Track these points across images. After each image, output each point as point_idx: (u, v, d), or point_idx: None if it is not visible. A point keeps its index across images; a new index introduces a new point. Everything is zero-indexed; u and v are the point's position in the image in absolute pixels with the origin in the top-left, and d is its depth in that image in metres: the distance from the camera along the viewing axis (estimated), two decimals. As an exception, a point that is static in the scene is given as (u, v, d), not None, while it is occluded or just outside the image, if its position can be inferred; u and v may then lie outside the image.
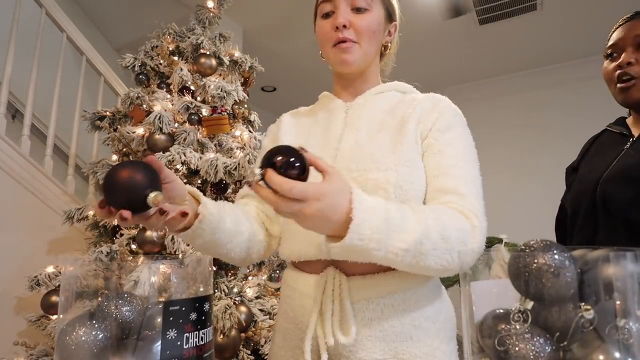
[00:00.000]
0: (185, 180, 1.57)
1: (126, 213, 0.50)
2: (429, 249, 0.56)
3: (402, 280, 0.66)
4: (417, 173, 0.69)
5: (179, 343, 0.52)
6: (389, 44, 0.93)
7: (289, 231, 0.75)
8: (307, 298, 0.69)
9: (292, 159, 0.50)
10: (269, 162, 0.50)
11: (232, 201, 1.60)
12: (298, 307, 0.72)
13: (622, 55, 0.88)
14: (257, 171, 0.49)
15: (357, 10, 0.76)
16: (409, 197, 0.66)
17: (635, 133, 0.94)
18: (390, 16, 0.88)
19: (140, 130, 1.59)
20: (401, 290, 0.67)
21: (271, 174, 0.48)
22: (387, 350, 0.64)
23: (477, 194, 0.67)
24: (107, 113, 1.84)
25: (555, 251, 0.41)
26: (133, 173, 0.50)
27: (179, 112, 1.64)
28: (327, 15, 0.78)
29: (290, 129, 0.89)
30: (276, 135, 0.89)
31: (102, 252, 1.37)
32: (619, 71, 0.88)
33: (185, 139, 1.56)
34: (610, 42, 0.93)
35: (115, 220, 0.52)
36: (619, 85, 0.89)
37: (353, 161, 0.70)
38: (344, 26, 0.75)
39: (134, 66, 1.76)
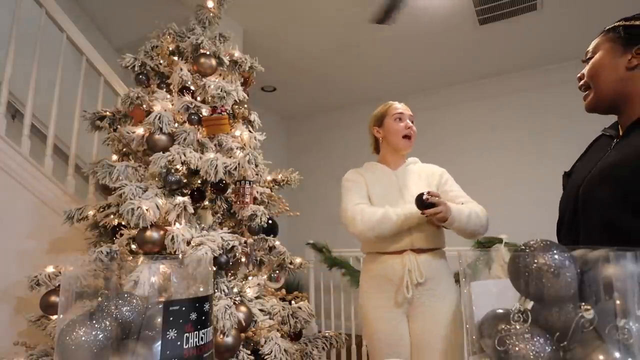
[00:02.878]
0: (185, 180, 1.57)
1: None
2: (471, 218, 1.41)
3: (436, 254, 1.47)
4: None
5: (179, 343, 0.52)
6: None
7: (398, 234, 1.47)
8: (397, 266, 1.43)
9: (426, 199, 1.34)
10: (421, 203, 1.34)
11: (232, 201, 1.61)
12: (390, 270, 1.44)
13: None
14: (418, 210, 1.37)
15: (412, 122, 1.60)
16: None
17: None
18: None
19: (140, 130, 1.59)
20: (437, 257, 1.48)
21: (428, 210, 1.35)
22: (433, 285, 1.42)
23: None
24: (107, 113, 1.84)
25: (555, 251, 0.42)
26: None
27: (179, 112, 1.64)
28: (400, 120, 1.59)
29: (368, 179, 1.59)
30: (362, 180, 1.60)
31: (102, 252, 1.37)
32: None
33: (185, 139, 1.56)
34: None
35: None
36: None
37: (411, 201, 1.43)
38: (410, 128, 1.58)
39: (134, 66, 1.75)
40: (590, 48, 0.98)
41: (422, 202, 1.33)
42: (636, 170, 0.82)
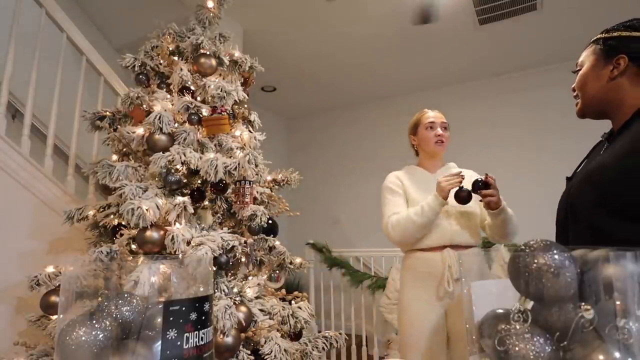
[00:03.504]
0: (185, 180, 1.57)
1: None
2: (514, 219, 1.51)
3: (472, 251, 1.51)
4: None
5: (179, 343, 0.52)
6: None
7: (437, 230, 1.56)
8: (438, 262, 1.52)
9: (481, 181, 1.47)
10: (477, 185, 1.47)
11: (232, 201, 1.61)
12: (433, 265, 1.53)
13: None
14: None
15: (444, 129, 1.69)
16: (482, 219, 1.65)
17: None
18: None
19: (140, 130, 1.59)
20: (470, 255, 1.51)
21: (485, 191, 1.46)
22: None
23: None
24: (107, 113, 1.84)
25: (555, 251, 0.42)
26: None
27: (179, 112, 1.64)
28: (431, 128, 1.68)
29: (407, 182, 1.68)
30: (401, 185, 1.69)
31: (102, 252, 1.37)
32: None
33: (185, 139, 1.56)
34: None
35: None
36: None
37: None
38: (442, 136, 1.67)
39: (134, 66, 1.75)
40: (579, 60, 1.04)
41: (478, 184, 1.45)
42: (616, 174, 0.85)
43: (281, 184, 1.88)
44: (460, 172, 1.53)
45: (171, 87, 1.74)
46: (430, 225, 1.52)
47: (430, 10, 2.62)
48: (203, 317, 0.55)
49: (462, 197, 1.48)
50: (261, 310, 1.57)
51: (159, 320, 0.51)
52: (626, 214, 0.82)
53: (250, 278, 1.68)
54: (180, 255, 1.29)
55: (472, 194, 1.47)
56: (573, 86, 1.06)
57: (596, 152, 1.03)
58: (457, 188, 1.48)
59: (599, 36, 0.99)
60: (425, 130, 1.68)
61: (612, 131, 1.02)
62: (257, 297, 1.62)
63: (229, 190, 1.65)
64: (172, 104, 1.66)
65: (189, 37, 1.81)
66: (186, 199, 1.48)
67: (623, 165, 0.84)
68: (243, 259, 1.61)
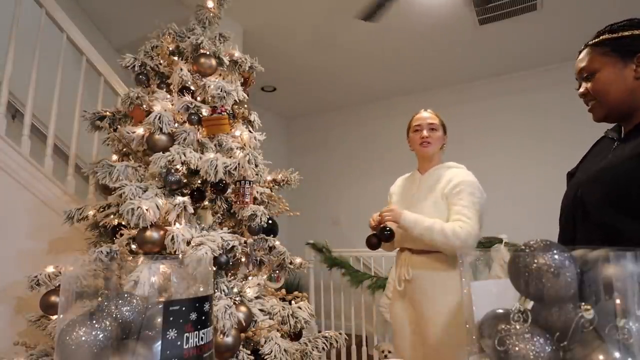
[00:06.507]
0: (185, 180, 1.57)
1: None
2: (432, 233, 1.49)
3: (432, 256, 1.56)
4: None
5: (179, 343, 0.52)
6: (445, 144, 1.75)
7: (398, 235, 1.62)
8: (397, 262, 1.69)
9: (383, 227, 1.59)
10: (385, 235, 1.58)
11: (232, 201, 1.61)
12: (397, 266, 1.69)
13: (580, 88, 1.03)
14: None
15: (432, 129, 1.70)
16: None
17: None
18: (444, 132, 1.74)
19: (140, 130, 1.59)
20: (432, 259, 1.56)
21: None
22: (420, 282, 1.56)
23: (475, 223, 1.52)
24: (107, 113, 1.84)
25: (555, 251, 0.42)
26: None
27: (179, 112, 1.64)
28: (418, 131, 1.72)
29: (397, 188, 1.84)
30: (392, 192, 1.84)
31: (102, 252, 1.37)
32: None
33: (185, 139, 1.56)
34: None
35: None
36: (588, 108, 1.03)
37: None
38: (428, 137, 1.69)
39: (134, 66, 1.75)
40: (584, 65, 0.99)
41: (385, 234, 1.57)
42: (628, 172, 0.85)
43: (281, 184, 1.88)
44: (383, 212, 1.59)
45: (171, 87, 1.74)
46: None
47: (378, 9, 2.61)
48: (203, 317, 0.55)
49: (372, 243, 1.59)
50: (261, 310, 1.57)
51: (159, 320, 0.51)
52: None
53: (250, 278, 1.68)
54: (180, 255, 1.29)
55: (381, 241, 1.59)
56: (582, 92, 1.01)
57: (604, 149, 1.01)
58: (377, 229, 1.59)
59: (604, 37, 0.96)
60: (413, 132, 1.73)
61: (618, 128, 1.01)
62: (257, 297, 1.62)
63: (229, 190, 1.65)
64: (172, 104, 1.66)
65: (189, 37, 1.81)
66: (186, 199, 1.48)
67: None
68: (243, 259, 1.61)
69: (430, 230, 1.49)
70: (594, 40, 0.98)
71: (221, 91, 1.65)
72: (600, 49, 0.96)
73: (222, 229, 1.52)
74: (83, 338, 0.47)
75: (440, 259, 1.55)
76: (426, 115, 1.74)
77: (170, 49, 1.84)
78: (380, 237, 1.57)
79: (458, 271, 1.41)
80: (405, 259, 1.62)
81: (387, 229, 1.56)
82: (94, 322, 0.49)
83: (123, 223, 1.49)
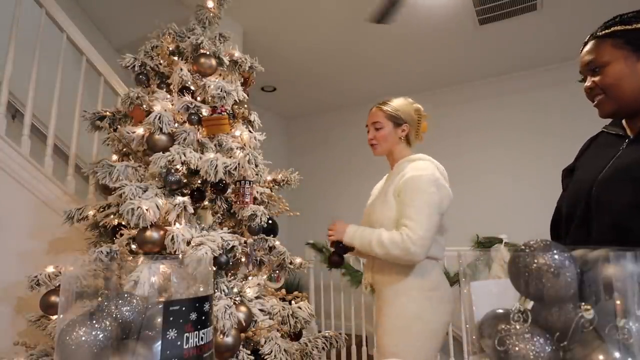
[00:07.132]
0: (185, 180, 1.57)
1: None
2: (371, 246, 1.40)
3: (395, 265, 1.43)
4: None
5: (179, 343, 0.52)
6: (407, 133, 1.60)
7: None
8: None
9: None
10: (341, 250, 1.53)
11: (232, 201, 1.61)
12: None
13: (586, 81, 0.98)
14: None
15: (376, 129, 1.60)
16: (384, 226, 1.44)
17: (630, 134, 0.95)
18: (398, 123, 1.58)
19: (140, 130, 1.59)
20: (395, 267, 1.44)
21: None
22: (379, 287, 1.51)
23: (421, 224, 1.35)
24: (107, 113, 1.84)
25: (555, 251, 0.42)
26: None
27: (179, 112, 1.64)
28: (367, 130, 1.64)
29: (374, 190, 1.76)
30: (372, 191, 1.77)
31: (102, 252, 1.37)
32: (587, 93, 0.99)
33: (185, 139, 1.56)
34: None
35: None
36: (593, 103, 0.97)
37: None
38: (372, 139, 1.61)
39: (134, 66, 1.75)
40: (592, 57, 0.93)
41: (340, 249, 1.53)
42: None
43: (281, 184, 1.88)
44: (328, 231, 1.54)
45: (171, 87, 1.74)
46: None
47: (390, 11, 2.59)
48: (203, 317, 0.55)
49: (334, 262, 1.55)
50: (261, 310, 1.58)
51: (159, 320, 0.51)
52: None
53: (250, 278, 1.68)
54: (180, 255, 1.29)
55: (343, 257, 1.56)
56: (590, 85, 0.95)
57: (609, 146, 0.97)
58: (334, 245, 1.54)
59: (616, 28, 0.90)
60: (367, 134, 1.65)
61: (618, 123, 0.98)
62: (257, 297, 1.62)
63: (229, 190, 1.65)
64: (172, 104, 1.66)
65: (189, 37, 1.81)
66: (186, 199, 1.48)
67: None
68: (243, 259, 1.61)
69: (369, 243, 1.39)
70: (604, 32, 0.92)
71: (221, 91, 1.65)
72: (611, 40, 0.90)
73: (222, 229, 1.52)
74: (83, 338, 0.47)
75: (403, 267, 1.43)
76: (371, 114, 1.63)
77: (170, 49, 1.84)
78: (340, 253, 1.53)
79: (418, 278, 1.39)
80: (369, 263, 1.58)
81: (341, 243, 1.50)
82: (94, 322, 0.49)
83: (123, 223, 1.49)
